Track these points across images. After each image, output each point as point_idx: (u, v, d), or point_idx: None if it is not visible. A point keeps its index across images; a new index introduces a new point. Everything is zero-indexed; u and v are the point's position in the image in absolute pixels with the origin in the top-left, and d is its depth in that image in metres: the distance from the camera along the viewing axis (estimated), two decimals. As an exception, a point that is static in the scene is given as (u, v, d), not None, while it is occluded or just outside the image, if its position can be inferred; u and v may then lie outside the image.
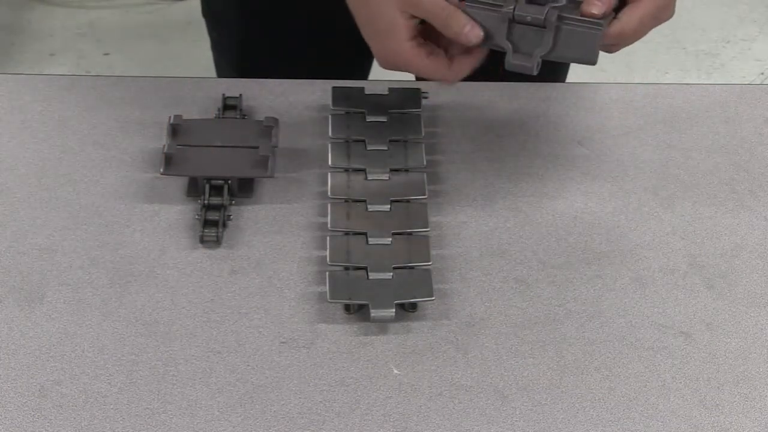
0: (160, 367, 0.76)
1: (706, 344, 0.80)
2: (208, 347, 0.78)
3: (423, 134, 0.93)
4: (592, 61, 0.82)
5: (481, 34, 0.82)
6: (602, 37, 0.82)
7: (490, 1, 0.83)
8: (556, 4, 0.82)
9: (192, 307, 0.81)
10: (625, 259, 0.86)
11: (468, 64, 0.85)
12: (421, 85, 0.97)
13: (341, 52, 1.14)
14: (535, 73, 0.82)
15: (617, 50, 0.86)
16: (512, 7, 0.82)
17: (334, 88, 0.96)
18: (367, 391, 0.76)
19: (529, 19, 0.81)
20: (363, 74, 1.21)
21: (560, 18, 0.82)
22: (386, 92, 0.96)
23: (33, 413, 0.74)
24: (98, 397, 0.75)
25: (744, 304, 0.83)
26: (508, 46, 0.82)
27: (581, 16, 0.82)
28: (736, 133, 0.97)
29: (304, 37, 1.12)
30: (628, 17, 0.83)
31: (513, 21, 0.82)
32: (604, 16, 0.82)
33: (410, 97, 0.96)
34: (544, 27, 0.81)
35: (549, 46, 0.82)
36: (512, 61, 0.82)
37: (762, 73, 2.46)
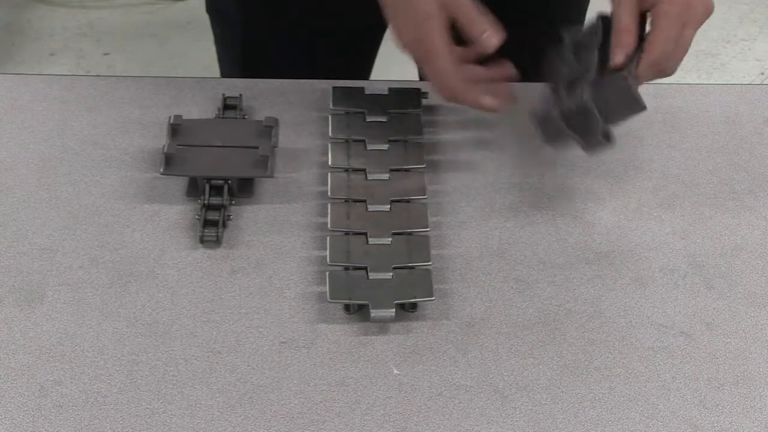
0: (160, 367, 0.76)
1: (706, 344, 0.80)
2: (208, 347, 0.78)
3: (423, 134, 0.93)
4: (640, 108, 0.83)
5: (497, 42, 0.83)
6: (634, 84, 0.83)
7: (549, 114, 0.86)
8: (588, 77, 0.84)
9: (192, 307, 0.81)
10: (625, 259, 0.86)
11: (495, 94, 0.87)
12: (421, 85, 0.97)
13: (345, 47, 1.14)
14: (613, 145, 0.85)
15: (670, 72, 0.84)
16: (558, 110, 0.85)
17: (334, 88, 0.96)
18: (367, 391, 0.76)
19: (575, 108, 0.83)
20: (366, 71, 1.21)
21: (591, 91, 0.83)
22: (386, 92, 0.96)
23: (33, 413, 0.74)
24: (98, 397, 0.75)
25: (744, 304, 0.83)
26: (578, 139, 0.84)
27: (612, 70, 0.83)
28: (736, 133, 0.97)
29: (308, 33, 1.12)
30: (651, 46, 0.82)
31: (566, 118, 0.84)
32: (629, 60, 0.82)
33: (410, 97, 0.96)
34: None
35: (599, 119, 0.83)
36: (590, 149, 0.86)
37: (762, 73, 2.46)
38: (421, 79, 1.13)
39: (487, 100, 0.86)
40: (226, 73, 1.22)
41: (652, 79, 0.84)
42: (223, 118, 0.94)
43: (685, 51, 0.84)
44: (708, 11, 0.86)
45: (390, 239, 0.84)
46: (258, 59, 1.15)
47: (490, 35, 0.83)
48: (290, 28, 1.11)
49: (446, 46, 0.84)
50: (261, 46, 1.14)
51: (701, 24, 0.85)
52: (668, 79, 0.85)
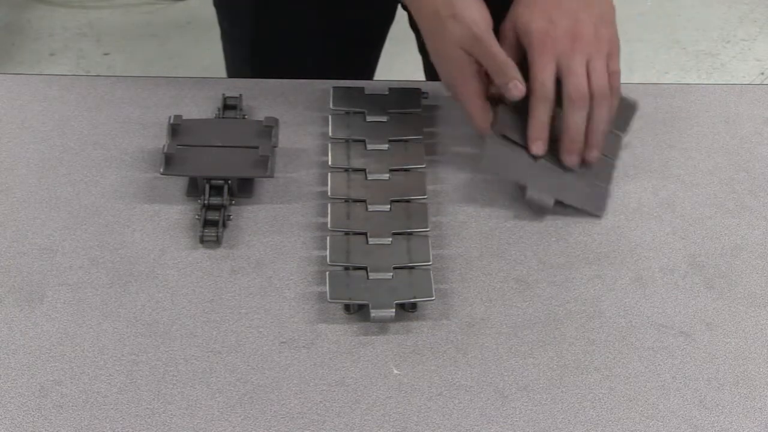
0: (160, 367, 0.76)
1: (706, 344, 0.80)
2: (208, 347, 0.78)
3: (423, 134, 0.93)
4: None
5: (520, 95, 0.86)
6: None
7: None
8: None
9: (192, 307, 0.81)
10: (625, 259, 0.86)
11: None
12: (421, 85, 0.97)
13: (352, 45, 1.14)
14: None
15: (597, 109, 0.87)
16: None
17: (334, 88, 0.96)
18: (367, 391, 0.76)
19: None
20: (373, 63, 1.21)
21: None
22: (386, 92, 0.96)
23: (33, 413, 0.74)
24: (98, 397, 0.75)
25: (744, 304, 0.83)
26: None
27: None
28: (736, 133, 0.97)
29: (316, 29, 1.12)
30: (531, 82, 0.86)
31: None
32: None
33: (410, 97, 0.96)
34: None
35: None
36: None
37: (762, 73, 2.46)
38: (428, 79, 1.14)
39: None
40: (232, 66, 1.22)
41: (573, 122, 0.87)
42: (223, 118, 0.94)
43: (589, 76, 0.86)
44: (604, 37, 0.87)
45: (390, 239, 0.84)
46: (266, 54, 1.15)
47: (514, 86, 0.86)
48: (300, 22, 1.11)
49: (473, 94, 0.88)
50: (269, 40, 1.14)
51: (598, 49, 0.87)
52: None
